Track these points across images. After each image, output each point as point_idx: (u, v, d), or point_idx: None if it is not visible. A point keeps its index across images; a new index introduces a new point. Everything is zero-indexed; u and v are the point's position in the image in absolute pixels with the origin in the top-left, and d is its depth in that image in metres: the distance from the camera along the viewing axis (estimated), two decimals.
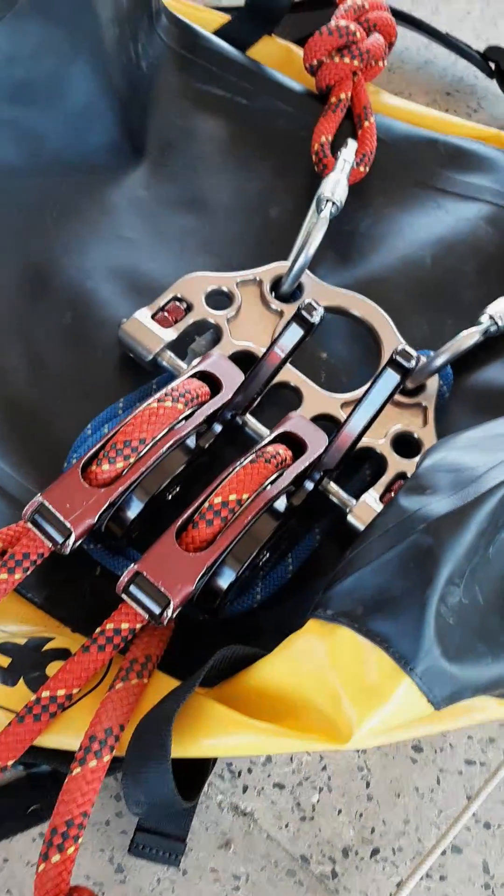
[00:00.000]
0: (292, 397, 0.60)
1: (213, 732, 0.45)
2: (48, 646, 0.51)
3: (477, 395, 0.63)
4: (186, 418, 0.52)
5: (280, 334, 0.49)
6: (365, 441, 0.58)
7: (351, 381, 0.63)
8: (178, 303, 0.62)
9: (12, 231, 0.65)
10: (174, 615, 0.47)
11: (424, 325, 0.66)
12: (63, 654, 0.50)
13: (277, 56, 0.76)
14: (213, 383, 0.55)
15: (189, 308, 0.62)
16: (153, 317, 0.61)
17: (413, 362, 0.45)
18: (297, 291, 0.64)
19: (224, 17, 0.77)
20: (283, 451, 0.52)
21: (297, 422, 0.55)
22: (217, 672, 0.48)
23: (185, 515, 0.48)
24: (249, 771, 0.54)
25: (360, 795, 0.54)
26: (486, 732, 0.56)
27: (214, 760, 0.52)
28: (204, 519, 0.48)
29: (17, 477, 0.58)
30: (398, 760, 0.55)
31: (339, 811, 0.53)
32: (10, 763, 0.46)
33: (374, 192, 0.71)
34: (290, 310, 0.63)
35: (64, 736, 0.47)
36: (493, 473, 0.44)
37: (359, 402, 0.48)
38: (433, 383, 0.61)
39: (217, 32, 0.76)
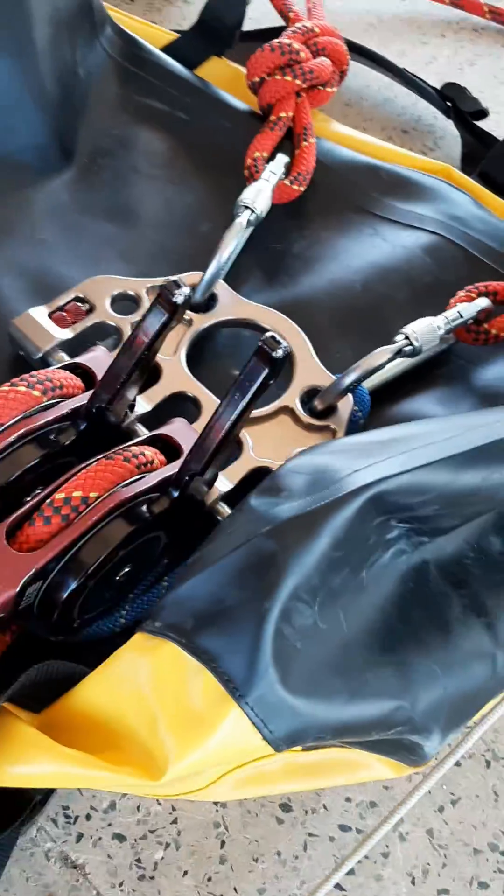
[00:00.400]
0: (192, 410, 0.56)
1: (19, 759, 0.38)
2: None
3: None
4: (47, 408, 0.47)
5: (143, 319, 0.45)
6: (264, 461, 0.53)
7: (263, 399, 0.58)
8: (79, 303, 0.58)
9: None
10: None
11: (349, 350, 0.62)
12: None
13: (225, 77, 0.74)
14: (89, 379, 0.50)
15: (91, 310, 0.58)
16: (50, 315, 0.57)
17: (281, 352, 0.41)
18: (210, 302, 0.60)
19: (173, 36, 0.76)
20: (149, 452, 0.47)
21: (177, 426, 0.50)
22: (41, 693, 0.42)
23: (21, 511, 0.43)
24: (88, 818, 0.47)
25: (213, 856, 0.47)
26: (368, 795, 0.49)
27: (43, 799, 0.45)
28: (42, 516, 0.43)
29: None
30: (262, 819, 0.48)
31: (185, 872, 0.46)
32: None
33: (310, 214, 0.68)
34: (200, 320, 0.59)
35: None
36: (358, 476, 0.38)
37: (225, 395, 0.43)
38: (345, 405, 0.56)
39: (165, 49, 0.74)
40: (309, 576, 0.37)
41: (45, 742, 0.38)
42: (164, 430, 0.49)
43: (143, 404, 0.54)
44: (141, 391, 0.54)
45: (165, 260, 0.65)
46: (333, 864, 0.47)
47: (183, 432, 0.49)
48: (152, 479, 0.46)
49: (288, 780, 0.44)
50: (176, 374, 0.57)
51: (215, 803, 0.48)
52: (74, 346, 0.57)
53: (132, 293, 0.59)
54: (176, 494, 0.46)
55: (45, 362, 0.56)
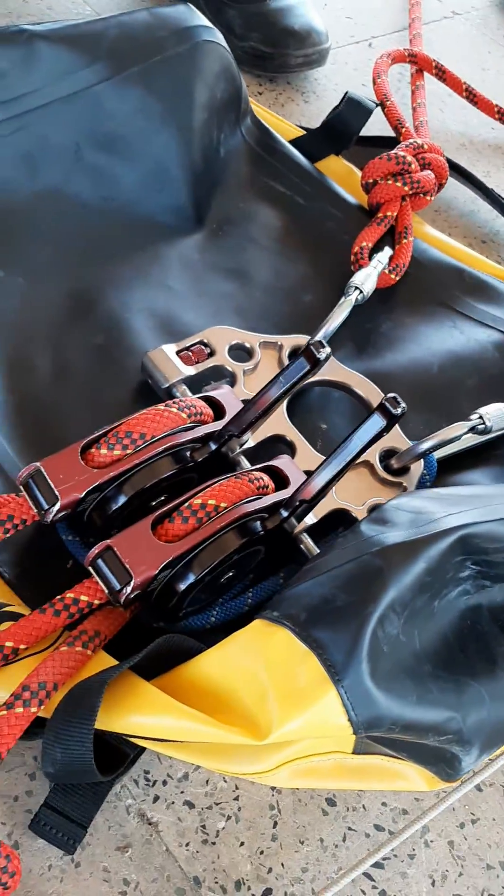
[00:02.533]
0: (287, 451, 0.64)
1: (143, 710, 0.46)
2: (6, 609, 0.53)
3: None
4: (187, 430, 0.56)
5: (287, 366, 0.54)
6: (343, 504, 0.62)
7: None
8: (203, 346, 0.68)
9: (72, 256, 0.72)
10: (132, 595, 0.50)
11: (420, 423, 0.71)
12: (17, 617, 0.52)
13: (340, 173, 0.86)
14: (218, 411, 0.59)
15: (212, 353, 0.67)
16: (178, 353, 0.67)
17: (399, 410, 0.50)
18: (291, 361, 0.70)
19: (299, 131, 0.87)
20: (266, 478, 0.56)
21: (285, 462, 0.59)
22: (155, 664, 0.50)
23: (165, 509, 0.52)
24: (164, 783, 0.54)
25: (266, 833, 0.54)
26: (401, 803, 0.57)
27: (136, 756, 0.53)
28: (181, 516, 0.52)
29: (19, 462, 0.62)
30: (310, 808, 0.55)
31: (242, 843, 0.54)
32: None
33: (399, 301, 0.78)
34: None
35: (0, 688, 0.49)
36: (451, 519, 0.47)
37: (342, 441, 0.52)
38: (417, 468, 0.65)
39: (292, 142, 0.86)
40: (404, 592, 0.45)
41: (169, 700, 0.46)
42: (275, 462, 0.58)
43: (248, 440, 0.63)
44: None
45: (271, 320, 0.75)
46: (367, 856, 0.54)
47: (289, 467, 0.58)
48: (267, 500, 0.55)
49: (336, 778, 0.52)
50: (277, 419, 0.66)
51: (272, 788, 0.56)
52: (194, 383, 0.66)
53: (247, 345, 0.69)
54: (285, 515, 0.54)
55: (169, 393, 0.65)
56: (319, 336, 0.69)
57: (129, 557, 0.49)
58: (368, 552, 0.46)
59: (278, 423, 0.66)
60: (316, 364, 0.53)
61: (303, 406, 0.71)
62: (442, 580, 0.48)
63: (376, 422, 0.50)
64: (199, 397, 0.59)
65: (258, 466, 0.57)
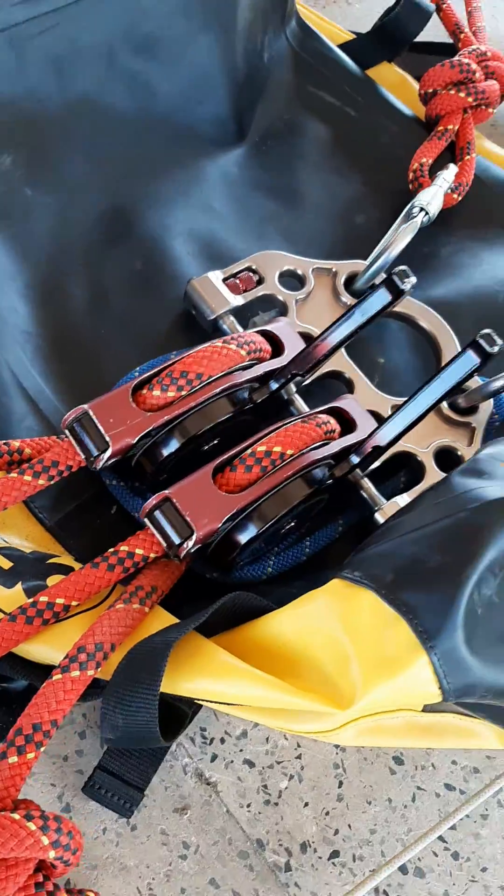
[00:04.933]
0: (343, 389, 0.60)
1: (211, 674, 0.43)
2: (53, 560, 0.49)
3: None
4: (244, 369, 0.51)
5: (364, 298, 0.48)
6: (408, 447, 0.57)
7: (403, 388, 0.62)
8: (251, 273, 0.62)
9: (107, 171, 0.66)
10: (193, 550, 0.46)
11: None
12: (66, 570, 0.49)
13: (393, 81, 0.78)
14: (276, 346, 0.54)
15: (261, 281, 0.62)
16: (224, 281, 0.61)
17: (497, 348, 0.45)
18: (369, 289, 0.64)
19: (349, 35, 0.79)
20: (333, 422, 0.51)
21: (350, 402, 0.54)
22: (219, 620, 0.46)
23: (226, 456, 0.47)
24: (222, 741, 0.52)
25: (331, 793, 0.51)
26: (472, 761, 0.54)
27: (193, 714, 0.50)
28: (244, 464, 0.47)
29: (55, 401, 0.58)
30: (376, 767, 0.53)
31: (306, 804, 0.51)
32: None
33: (460, 223, 0.72)
34: None
35: (51, 647, 0.45)
36: None
37: (431, 378, 0.47)
38: (486, 407, 0.60)
39: (341, 47, 0.78)
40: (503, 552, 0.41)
41: (239, 664, 0.42)
42: (340, 403, 0.53)
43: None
44: None
45: (320, 243, 0.69)
46: (438, 817, 0.52)
47: (355, 408, 0.54)
48: (335, 446, 0.50)
49: (405, 736, 0.48)
50: (336, 354, 0.61)
51: (336, 746, 0.53)
52: (242, 313, 0.61)
53: (299, 272, 0.63)
54: (356, 462, 0.50)
55: (215, 325, 0.60)
56: (379, 263, 0.63)
57: (190, 509, 0.45)
58: (466, 508, 0.41)
59: (335, 358, 0.61)
60: (399, 296, 0.48)
61: (357, 339, 0.66)
62: None
63: (469, 360, 0.46)
64: (256, 331, 0.54)
65: (323, 408, 0.53)
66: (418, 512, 0.43)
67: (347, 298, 0.63)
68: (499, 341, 0.45)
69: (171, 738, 0.46)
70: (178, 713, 0.48)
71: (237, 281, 0.62)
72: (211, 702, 0.44)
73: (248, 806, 0.50)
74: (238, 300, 0.60)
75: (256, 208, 0.70)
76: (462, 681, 0.41)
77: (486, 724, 0.49)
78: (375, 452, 0.50)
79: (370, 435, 0.49)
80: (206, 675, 0.43)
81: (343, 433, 0.52)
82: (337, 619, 0.42)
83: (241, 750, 0.51)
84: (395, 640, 0.40)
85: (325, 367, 0.60)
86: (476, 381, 0.61)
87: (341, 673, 0.41)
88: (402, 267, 0.48)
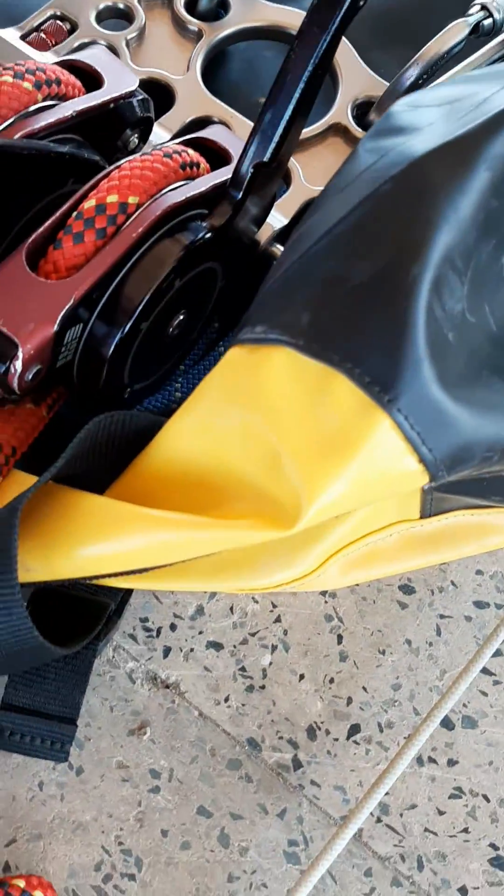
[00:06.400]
0: None
1: (103, 535, 0.29)
2: None
3: None
4: (42, 110, 0.35)
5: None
6: (319, 189, 0.42)
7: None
8: (59, 21, 0.46)
9: None
10: (29, 376, 0.31)
11: (395, 64, 0.50)
12: None
13: None
14: (91, 79, 0.38)
15: (73, 29, 0.46)
16: (24, 38, 0.45)
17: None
18: (219, 9, 0.48)
19: None
20: (192, 153, 0.36)
21: (218, 130, 0.39)
22: (103, 465, 0.32)
23: (42, 229, 0.32)
24: (173, 628, 0.38)
25: (331, 654, 0.38)
26: (501, 565, 0.41)
27: (118, 609, 0.36)
28: (70, 233, 0.32)
29: None
30: (381, 605, 0.40)
31: (302, 676, 0.38)
32: None
33: None
34: (212, 31, 0.47)
35: None
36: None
37: (295, 44, 0.32)
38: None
39: None
40: (464, 231, 0.26)
41: (130, 510, 0.29)
42: (203, 133, 0.38)
43: (160, 133, 0.43)
44: (156, 117, 0.42)
45: None
46: (475, 645, 0.39)
47: (225, 136, 0.38)
48: (202, 183, 0.35)
49: (405, 557, 0.36)
50: (194, 95, 0.45)
51: (323, 593, 0.39)
52: None
53: (121, 6, 0.47)
54: (237, 197, 0.35)
55: None
56: None
57: (4, 317, 0.30)
58: (389, 178, 0.26)
59: (195, 99, 0.45)
60: None
61: (225, 76, 0.50)
62: None
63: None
64: (55, 62, 0.38)
65: (177, 141, 0.37)
66: (324, 211, 0.28)
67: (195, 24, 0.47)
68: None
69: (78, 642, 0.32)
70: (97, 606, 0.35)
71: (42, 35, 0.46)
72: (123, 573, 0.31)
73: (226, 700, 0.37)
74: (49, 58, 0.45)
75: None
76: (448, 440, 0.27)
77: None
78: (262, 177, 0.34)
79: (241, 156, 0.34)
80: (97, 538, 0.29)
81: (215, 167, 0.37)
82: (246, 405, 0.27)
83: (199, 632, 0.38)
84: (334, 406, 0.26)
85: (190, 115, 0.44)
86: (382, 86, 0.46)
87: (272, 478, 0.27)
88: None
